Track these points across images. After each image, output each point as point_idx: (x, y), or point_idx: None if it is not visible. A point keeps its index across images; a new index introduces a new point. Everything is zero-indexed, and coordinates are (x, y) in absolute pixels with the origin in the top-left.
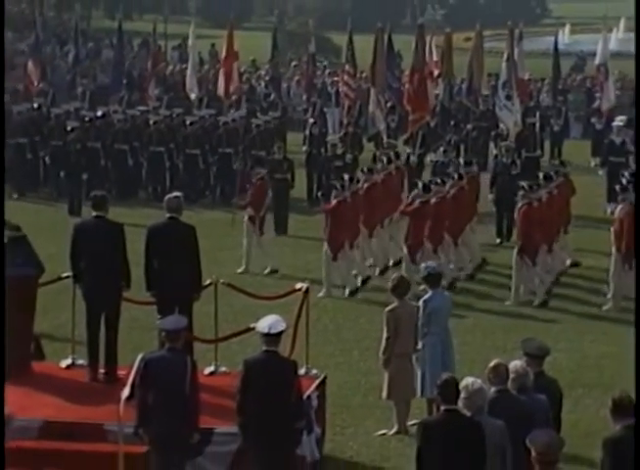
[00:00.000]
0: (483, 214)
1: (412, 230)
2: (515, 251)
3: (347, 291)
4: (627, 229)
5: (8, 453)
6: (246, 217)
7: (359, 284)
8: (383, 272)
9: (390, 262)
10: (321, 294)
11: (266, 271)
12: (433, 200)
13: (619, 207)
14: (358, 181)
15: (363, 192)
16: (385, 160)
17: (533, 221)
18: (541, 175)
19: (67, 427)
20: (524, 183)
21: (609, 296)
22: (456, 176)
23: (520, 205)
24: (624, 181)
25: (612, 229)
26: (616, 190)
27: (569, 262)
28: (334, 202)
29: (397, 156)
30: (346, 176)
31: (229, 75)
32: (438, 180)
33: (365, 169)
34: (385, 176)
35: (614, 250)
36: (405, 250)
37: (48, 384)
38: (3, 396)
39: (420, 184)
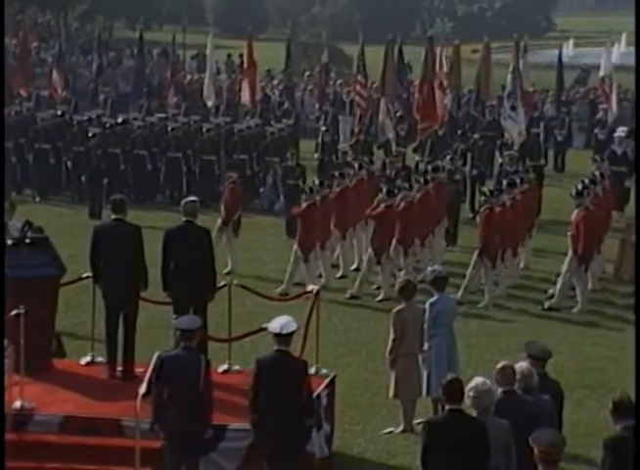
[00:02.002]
0: None
1: (377, 233)
2: (475, 253)
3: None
4: (583, 233)
5: (30, 447)
6: (219, 221)
7: (323, 284)
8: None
9: (354, 266)
10: (279, 289)
11: (225, 271)
12: (401, 204)
13: (575, 211)
14: (329, 186)
15: (335, 196)
16: (356, 166)
17: (494, 226)
18: (504, 182)
19: (86, 422)
20: (485, 189)
21: (550, 291)
22: (422, 181)
23: (482, 209)
24: (580, 187)
25: (569, 233)
26: (617, 198)
27: (522, 266)
28: (304, 205)
29: (371, 162)
30: (316, 181)
31: (253, 84)
32: (406, 185)
33: (337, 174)
34: (357, 182)
35: (570, 252)
36: (371, 252)
37: (68, 380)
38: (3, 395)
39: (384, 189)
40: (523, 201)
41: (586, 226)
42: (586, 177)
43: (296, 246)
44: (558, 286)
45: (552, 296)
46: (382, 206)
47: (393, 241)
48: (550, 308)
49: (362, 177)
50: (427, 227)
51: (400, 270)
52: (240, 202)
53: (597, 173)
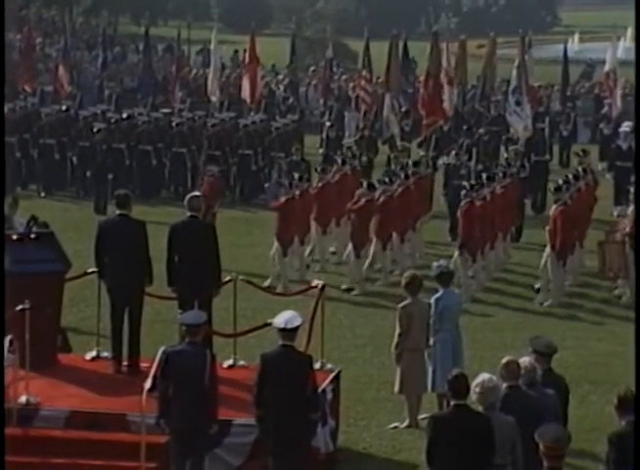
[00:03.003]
0: None
1: (357, 227)
2: (457, 247)
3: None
4: (561, 228)
5: (35, 442)
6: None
7: (299, 278)
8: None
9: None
10: (266, 283)
11: None
12: (380, 198)
13: (554, 206)
14: (308, 180)
15: (316, 191)
16: (339, 161)
17: (474, 220)
18: (484, 176)
19: (91, 417)
20: (465, 183)
21: (538, 287)
22: (403, 176)
23: (462, 203)
24: (560, 182)
25: (547, 228)
26: (622, 193)
27: (505, 258)
28: (282, 199)
29: (354, 156)
30: (296, 175)
31: (254, 80)
32: (386, 179)
33: (319, 169)
34: (340, 177)
35: (548, 247)
36: (351, 246)
37: (74, 375)
38: (3, 394)
39: (365, 183)
40: (503, 195)
41: (564, 221)
42: (570, 173)
43: (276, 241)
44: (541, 282)
45: (538, 290)
46: (362, 200)
47: (372, 235)
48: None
49: (346, 172)
50: (406, 222)
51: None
52: (218, 196)
53: (579, 168)
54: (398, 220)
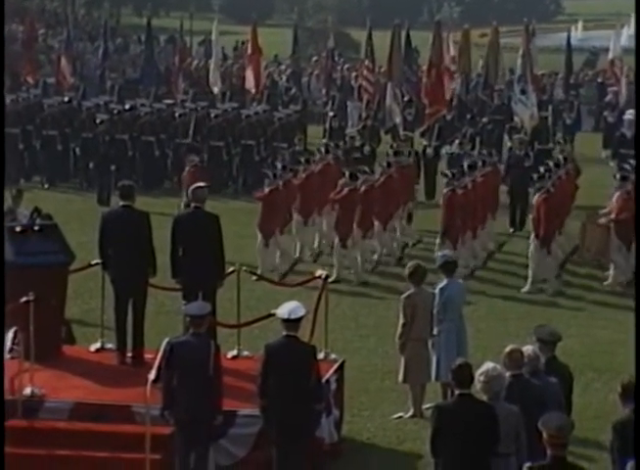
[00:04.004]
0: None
1: (341, 217)
2: (439, 235)
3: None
4: (544, 216)
5: (40, 433)
6: (182, 204)
7: (287, 269)
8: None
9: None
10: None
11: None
12: (362, 188)
13: (537, 195)
14: (292, 170)
15: (300, 181)
16: (322, 150)
17: (456, 208)
18: (465, 164)
19: (96, 408)
20: (447, 171)
21: (529, 278)
22: (385, 164)
23: (444, 191)
24: (542, 170)
25: (530, 216)
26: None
27: (491, 247)
28: (266, 190)
29: (337, 146)
30: (280, 165)
31: (257, 71)
32: (366, 169)
33: (303, 160)
34: (323, 166)
35: (532, 236)
36: (336, 237)
37: (78, 367)
38: (3, 392)
39: (347, 173)
40: (484, 183)
41: (547, 209)
42: (551, 161)
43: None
44: (529, 271)
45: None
46: (345, 190)
47: (354, 224)
48: (530, 292)
49: (329, 162)
50: (388, 210)
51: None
52: None
53: (560, 157)
54: (380, 209)
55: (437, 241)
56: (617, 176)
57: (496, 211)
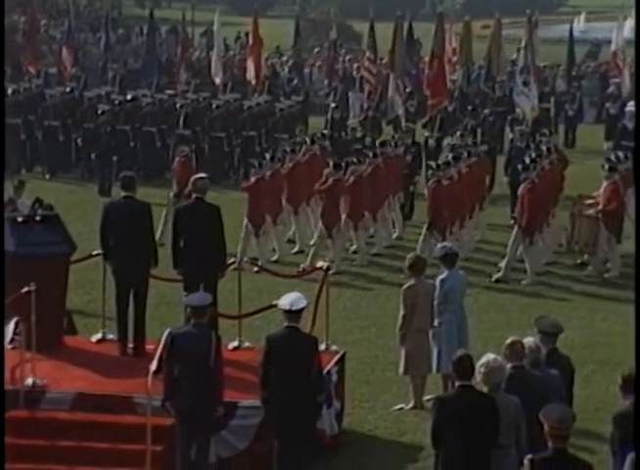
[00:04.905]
0: (498, 196)
1: (326, 208)
2: (425, 226)
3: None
4: (527, 206)
5: (42, 424)
6: (171, 194)
7: (275, 259)
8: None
9: (312, 241)
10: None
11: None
12: (350, 178)
13: (522, 185)
14: (280, 160)
15: (287, 171)
16: (308, 140)
17: (442, 199)
18: (450, 156)
19: (97, 399)
20: (432, 162)
21: (501, 265)
22: (371, 155)
23: (429, 183)
24: (527, 160)
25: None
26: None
27: (477, 238)
28: (252, 179)
29: (323, 136)
30: (267, 155)
31: (258, 62)
32: (354, 159)
33: (288, 150)
34: (309, 156)
35: (515, 226)
36: (322, 226)
37: (80, 358)
38: (3, 391)
39: (331, 163)
40: (470, 174)
41: (531, 200)
42: (534, 151)
43: (245, 220)
44: (505, 259)
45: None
46: (330, 180)
47: (343, 215)
48: (498, 281)
49: (315, 152)
50: (377, 201)
51: (352, 244)
52: (191, 175)
53: (544, 147)
54: (369, 200)
55: (424, 232)
56: (606, 167)
57: (484, 201)
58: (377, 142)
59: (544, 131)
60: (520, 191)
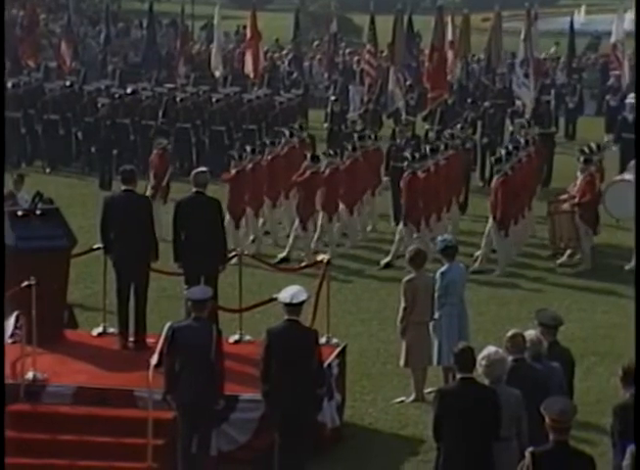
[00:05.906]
0: None
1: (302, 200)
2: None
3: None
4: (501, 199)
5: (43, 418)
6: (149, 187)
7: (255, 251)
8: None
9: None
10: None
11: None
12: (327, 171)
13: (495, 177)
14: (260, 152)
15: (266, 163)
16: (287, 133)
17: (417, 191)
18: (427, 147)
19: (98, 393)
20: (407, 154)
21: (476, 254)
22: (350, 148)
23: (405, 174)
24: (503, 152)
25: (489, 199)
26: (625, 164)
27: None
28: (233, 171)
29: (302, 128)
30: (248, 148)
31: (256, 55)
32: (331, 152)
33: (267, 142)
34: (288, 149)
35: (490, 218)
36: (297, 218)
37: (80, 351)
38: (4, 391)
39: (308, 155)
40: (447, 166)
41: (504, 192)
42: (511, 143)
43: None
44: (480, 250)
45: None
46: (307, 172)
47: (319, 207)
48: (474, 272)
49: (294, 145)
50: (354, 194)
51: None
52: (168, 168)
53: (521, 139)
54: (345, 193)
55: (400, 225)
56: (581, 159)
57: (460, 194)
58: (356, 135)
59: (523, 123)
60: (493, 184)
